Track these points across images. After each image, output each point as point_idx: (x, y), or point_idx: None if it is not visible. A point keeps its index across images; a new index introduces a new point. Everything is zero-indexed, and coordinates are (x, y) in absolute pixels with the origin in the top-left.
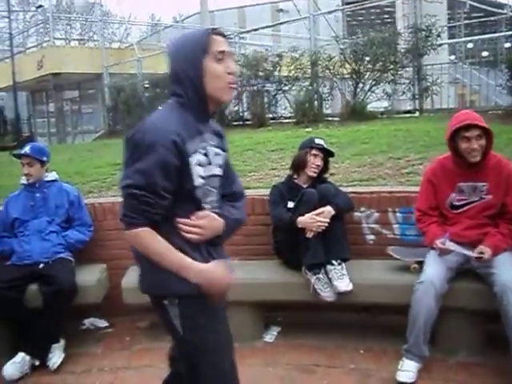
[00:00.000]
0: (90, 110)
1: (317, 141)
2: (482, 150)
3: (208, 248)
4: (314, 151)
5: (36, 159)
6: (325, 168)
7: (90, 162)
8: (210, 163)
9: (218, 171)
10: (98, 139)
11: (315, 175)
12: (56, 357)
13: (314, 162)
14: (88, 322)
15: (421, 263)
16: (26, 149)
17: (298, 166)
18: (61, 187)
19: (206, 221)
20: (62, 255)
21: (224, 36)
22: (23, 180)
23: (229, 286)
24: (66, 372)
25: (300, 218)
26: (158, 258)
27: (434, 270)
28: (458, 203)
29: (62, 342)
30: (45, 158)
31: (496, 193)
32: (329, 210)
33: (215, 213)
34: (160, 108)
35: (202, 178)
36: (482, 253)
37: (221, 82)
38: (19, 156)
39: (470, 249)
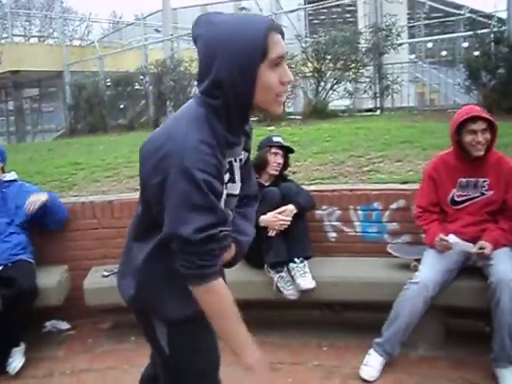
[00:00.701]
0: (51, 108)
1: (275, 139)
2: (487, 144)
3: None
4: (273, 149)
5: None
6: (285, 165)
7: (51, 161)
8: (233, 180)
9: (238, 188)
10: (58, 138)
11: (277, 173)
12: (16, 361)
13: (275, 160)
14: (49, 324)
15: (420, 261)
16: None
17: (259, 165)
18: (21, 187)
19: None
20: (21, 257)
21: (281, 32)
22: None
23: None
24: (26, 377)
25: (262, 217)
26: (226, 326)
27: (430, 272)
28: (458, 199)
29: (23, 346)
30: None
31: (497, 189)
32: (291, 208)
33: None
34: (187, 113)
35: (225, 200)
36: (482, 248)
37: (272, 93)
38: None
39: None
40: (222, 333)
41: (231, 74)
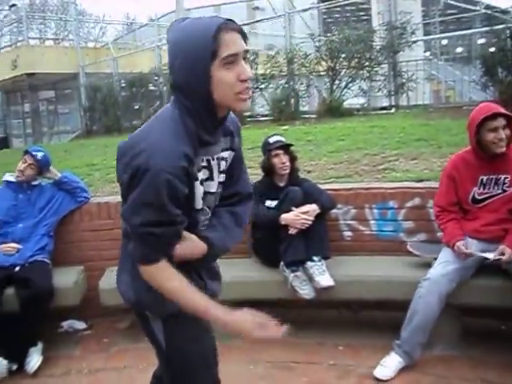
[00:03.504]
0: (67, 110)
1: (271, 140)
2: (507, 140)
3: (198, 270)
4: (273, 152)
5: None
6: (292, 159)
7: (67, 162)
8: (211, 178)
9: (216, 187)
10: (74, 139)
11: (287, 172)
12: (34, 360)
13: (279, 161)
14: (66, 324)
15: None
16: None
17: (268, 171)
18: (42, 188)
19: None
20: (38, 258)
21: (238, 30)
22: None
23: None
24: (44, 375)
25: (284, 215)
26: (179, 296)
27: (444, 268)
28: (479, 197)
29: (40, 345)
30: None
31: None
32: (314, 208)
33: (200, 236)
34: (162, 114)
35: (202, 198)
36: (502, 254)
37: (230, 91)
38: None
39: (490, 246)
40: (181, 305)
41: (185, 74)
